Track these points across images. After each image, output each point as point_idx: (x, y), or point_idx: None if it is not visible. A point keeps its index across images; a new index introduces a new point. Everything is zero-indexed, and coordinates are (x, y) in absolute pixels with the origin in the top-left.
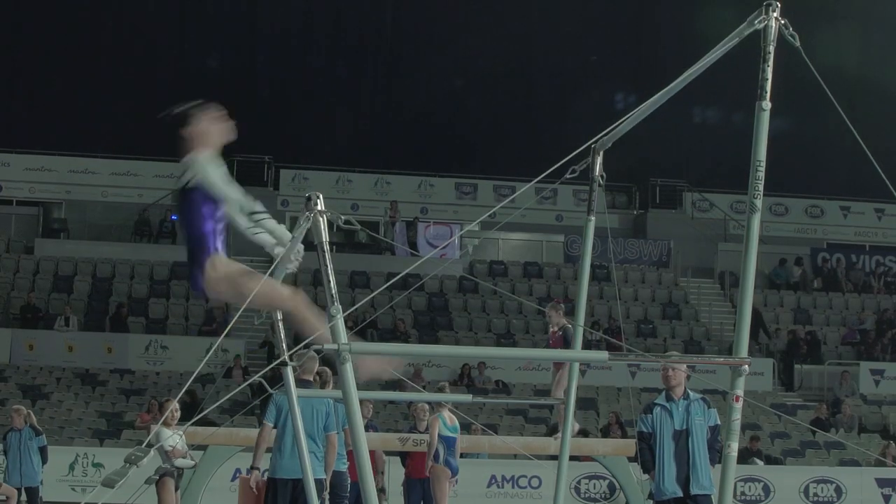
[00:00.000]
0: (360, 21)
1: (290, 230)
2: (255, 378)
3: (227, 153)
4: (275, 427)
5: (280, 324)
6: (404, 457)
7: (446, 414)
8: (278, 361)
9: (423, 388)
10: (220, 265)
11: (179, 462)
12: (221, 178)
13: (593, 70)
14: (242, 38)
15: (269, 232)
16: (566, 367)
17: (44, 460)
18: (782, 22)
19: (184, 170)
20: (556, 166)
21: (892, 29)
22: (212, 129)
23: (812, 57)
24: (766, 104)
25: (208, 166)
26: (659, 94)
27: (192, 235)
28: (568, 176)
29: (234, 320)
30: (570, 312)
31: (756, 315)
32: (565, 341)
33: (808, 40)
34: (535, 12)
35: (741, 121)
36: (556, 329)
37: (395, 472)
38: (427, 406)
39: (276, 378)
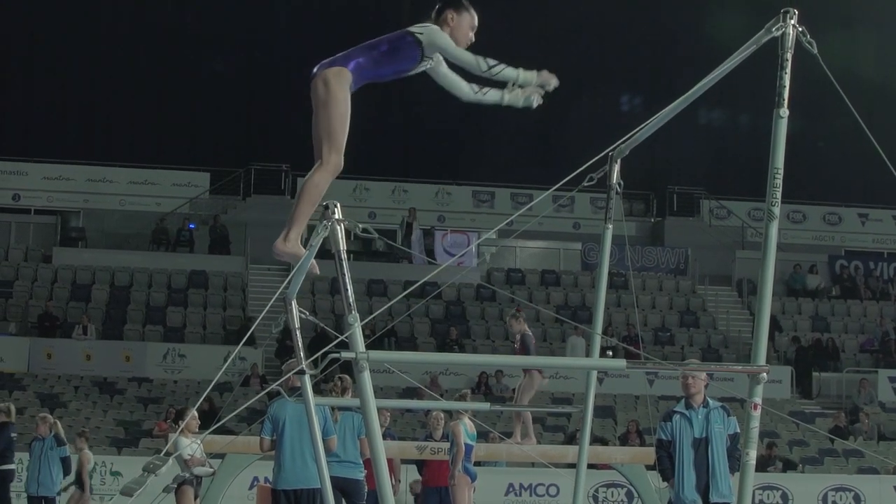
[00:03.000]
0: (377, 25)
1: (308, 239)
2: (273, 386)
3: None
4: (272, 439)
5: (298, 332)
6: (420, 465)
7: (467, 421)
8: (296, 370)
9: (441, 396)
10: (343, 79)
11: (198, 470)
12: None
13: (608, 75)
14: (259, 46)
15: (508, 79)
16: (533, 376)
17: (66, 471)
18: (800, 29)
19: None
20: (573, 174)
21: None
22: (462, 28)
23: (829, 62)
24: (784, 111)
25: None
26: (676, 101)
27: (374, 56)
28: (586, 184)
29: (253, 327)
30: (588, 320)
31: (772, 321)
32: (525, 348)
33: (824, 46)
34: (551, 18)
35: (759, 127)
36: (517, 337)
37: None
38: (443, 414)
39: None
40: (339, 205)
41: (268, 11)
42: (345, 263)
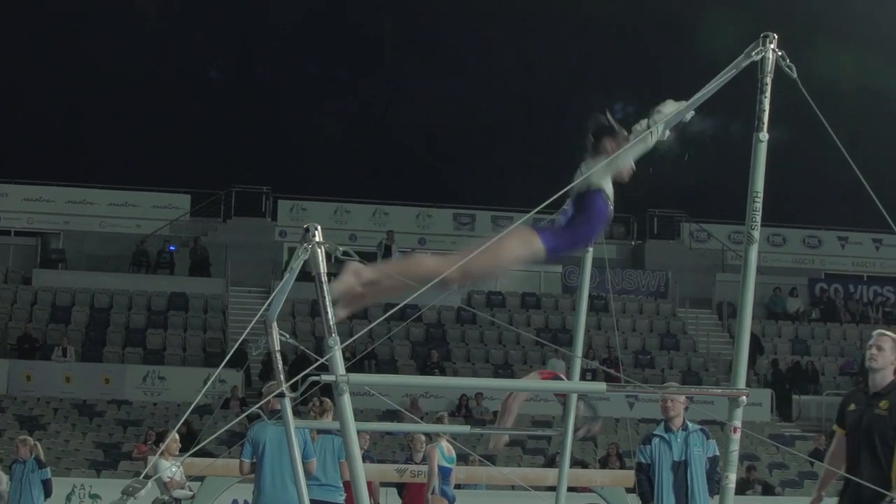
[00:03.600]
0: (359, 53)
1: (287, 261)
2: (254, 409)
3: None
4: (252, 462)
5: (278, 355)
6: (401, 488)
7: (444, 444)
8: (276, 393)
9: (421, 418)
10: (537, 245)
11: (177, 493)
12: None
13: (591, 99)
14: (241, 70)
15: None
16: (516, 398)
17: (47, 494)
18: (779, 53)
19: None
20: (554, 197)
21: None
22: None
23: (810, 85)
24: (764, 135)
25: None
26: (657, 125)
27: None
28: (565, 208)
29: (231, 351)
30: (568, 343)
31: (754, 342)
32: None
33: (805, 68)
34: (534, 45)
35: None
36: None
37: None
38: (423, 437)
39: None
40: (319, 227)
41: (251, 35)
42: (325, 286)
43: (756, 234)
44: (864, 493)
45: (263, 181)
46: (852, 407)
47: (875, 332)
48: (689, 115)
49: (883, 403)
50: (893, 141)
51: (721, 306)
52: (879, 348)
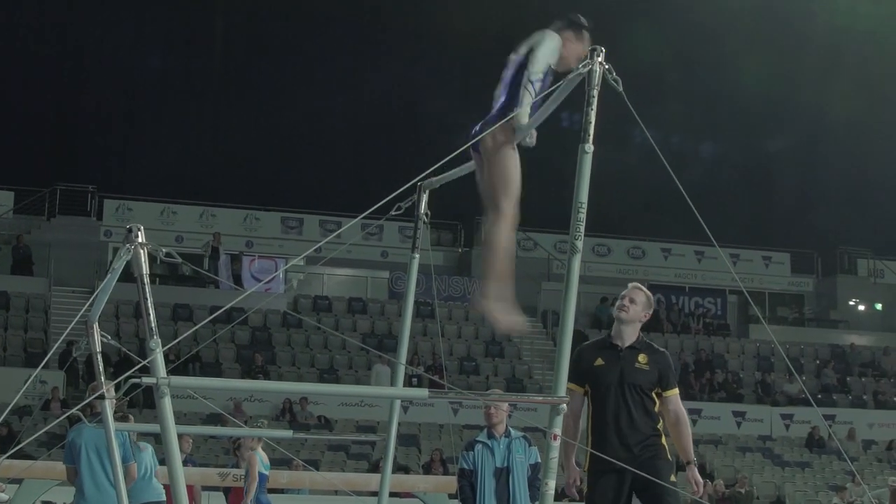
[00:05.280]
0: (189, 56)
1: (112, 262)
2: (73, 411)
3: (50, 182)
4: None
5: (99, 356)
6: (227, 492)
7: (262, 451)
8: (96, 395)
9: (245, 422)
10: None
11: None
12: (545, 64)
13: (423, 107)
14: (67, 64)
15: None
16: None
17: None
18: (606, 67)
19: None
20: (381, 203)
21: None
22: (575, 50)
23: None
24: (590, 147)
25: (550, 51)
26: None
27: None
28: (393, 213)
29: (52, 351)
30: (395, 349)
31: None
32: None
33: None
34: (365, 54)
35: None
36: None
37: None
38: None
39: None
40: (142, 228)
41: (79, 24)
42: (147, 288)
43: (580, 244)
44: (631, 444)
45: (89, 180)
46: (600, 361)
47: (630, 285)
48: (532, 137)
49: (642, 357)
50: (721, 157)
51: (546, 315)
52: (632, 301)
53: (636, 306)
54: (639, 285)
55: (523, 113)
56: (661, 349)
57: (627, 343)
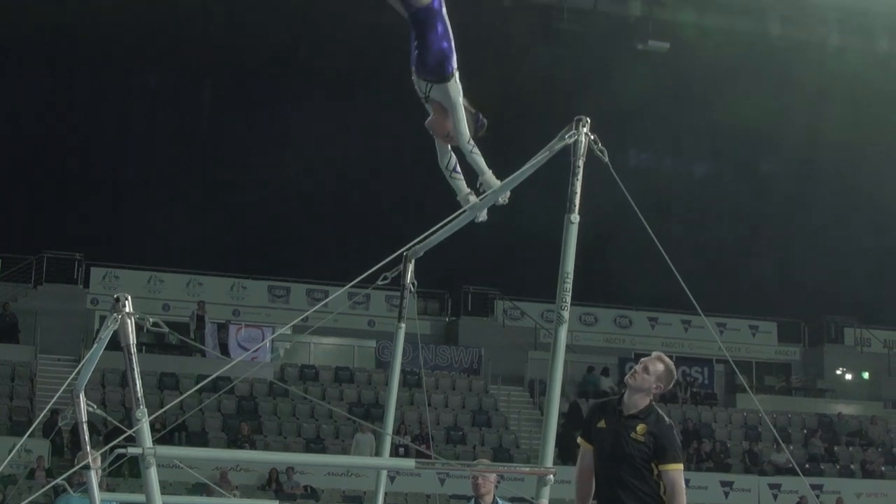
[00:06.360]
0: (176, 121)
1: (98, 330)
2: (59, 480)
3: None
4: None
5: (85, 426)
6: None
7: None
8: (81, 465)
9: (232, 493)
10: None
11: None
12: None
13: (409, 177)
14: (55, 132)
15: (477, 165)
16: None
17: None
18: (592, 137)
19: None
20: (368, 272)
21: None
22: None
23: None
24: (576, 217)
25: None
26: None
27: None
28: (380, 283)
29: (38, 420)
30: (381, 418)
31: (578, 420)
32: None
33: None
34: (354, 131)
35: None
36: None
37: None
38: None
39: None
40: (129, 297)
41: (63, 91)
42: (134, 358)
43: (566, 314)
44: None
45: (75, 248)
46: (602, 424)
47: (654, 353)
48: (505, 196)
49: (640, 428)
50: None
51: (533, 384)
52: (646, 369)
53: (648, 376)
54: (661, 355)
55: (490, 178)
56: (668, 422)
57: (630, 411)
